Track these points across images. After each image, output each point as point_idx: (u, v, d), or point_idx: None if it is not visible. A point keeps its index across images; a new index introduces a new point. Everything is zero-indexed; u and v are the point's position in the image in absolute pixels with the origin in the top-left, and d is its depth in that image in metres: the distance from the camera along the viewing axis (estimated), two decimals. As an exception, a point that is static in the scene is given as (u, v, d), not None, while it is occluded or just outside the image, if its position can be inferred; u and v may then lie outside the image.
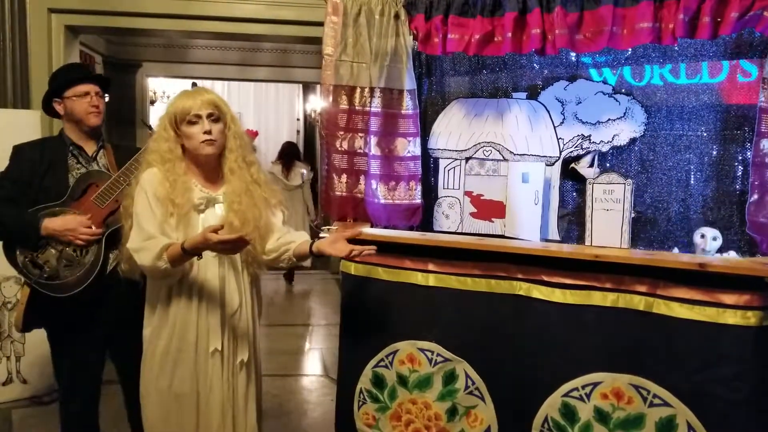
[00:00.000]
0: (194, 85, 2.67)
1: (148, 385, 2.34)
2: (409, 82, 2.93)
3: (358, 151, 2.93)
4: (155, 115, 8.04)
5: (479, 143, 3.02)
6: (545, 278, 2.34)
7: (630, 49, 2.71)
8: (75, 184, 2.61)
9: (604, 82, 2.83)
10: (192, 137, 2.25)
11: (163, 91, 10.08)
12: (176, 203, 2.21)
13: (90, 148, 2.72)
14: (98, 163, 2.72)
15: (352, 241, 2.33)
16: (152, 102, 9.37)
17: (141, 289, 2.68)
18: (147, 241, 2.18)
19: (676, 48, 2.64)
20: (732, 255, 2.50)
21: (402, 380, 2.62)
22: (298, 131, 12.34)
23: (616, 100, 2.78)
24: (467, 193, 3.07)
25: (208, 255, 2.23)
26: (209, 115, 2.26)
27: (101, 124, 2.74)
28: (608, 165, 2.81)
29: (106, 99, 2.80)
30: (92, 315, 2.63)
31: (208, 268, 2.28)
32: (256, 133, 2.96)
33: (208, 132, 2.24)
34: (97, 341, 2.71)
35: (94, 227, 2.55)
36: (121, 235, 2.40)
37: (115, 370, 2.86)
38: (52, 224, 2.51)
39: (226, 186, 2.33)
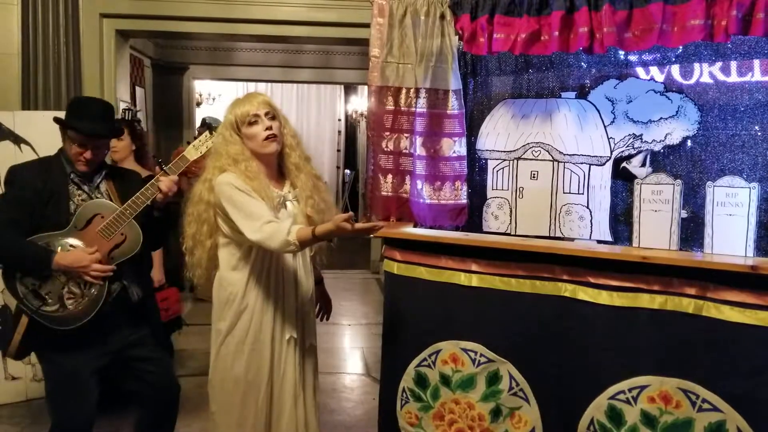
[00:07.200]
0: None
1: (221, 374, 2.41)
2: (454, 82, 2.93)
3: (404, 151, 2.94)
4: (200, 117, 8.21)
5: (528, 144, 3.01)
6: (591, 280, 2.31)
7: (680, 47, 2.65)
8: (79, 214, 2.48)
9: (653, 80, 2.78)
10: (254, 137, 2.35)
11: (209, 93, 10.26)
12: (263, 196, 2.30)
13: (91, 174, 2.57)
14: (100, 190, 2.58)
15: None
16: (198, 104, 9.55)
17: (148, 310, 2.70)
18: (268, 225, 2.20)
19: (729, 45, 2.57)
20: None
21: (445, 380, 2.62)
22: (339, 132, 12.43)
23: (668, 99, 2.74)
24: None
25: None
26: (266, 114, 2.37)
27: (100, 162, 2.58)
28: (661, 164, 2.76)
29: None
30: (87, 345, 2.51)
31: (284, 259, 2.38)
32: None
33: (270, 128, 2.35)
34: (92, 369, 2.55)
35: (103, 263, 2.45)
36: (126, 263, 2.50)
37: (130, 393, 2.72)
38: (63, 260, 2.40)
39: (295, 182, 2.44)
